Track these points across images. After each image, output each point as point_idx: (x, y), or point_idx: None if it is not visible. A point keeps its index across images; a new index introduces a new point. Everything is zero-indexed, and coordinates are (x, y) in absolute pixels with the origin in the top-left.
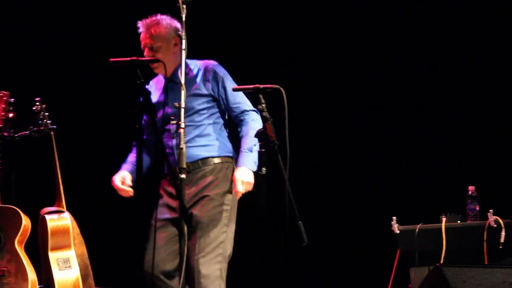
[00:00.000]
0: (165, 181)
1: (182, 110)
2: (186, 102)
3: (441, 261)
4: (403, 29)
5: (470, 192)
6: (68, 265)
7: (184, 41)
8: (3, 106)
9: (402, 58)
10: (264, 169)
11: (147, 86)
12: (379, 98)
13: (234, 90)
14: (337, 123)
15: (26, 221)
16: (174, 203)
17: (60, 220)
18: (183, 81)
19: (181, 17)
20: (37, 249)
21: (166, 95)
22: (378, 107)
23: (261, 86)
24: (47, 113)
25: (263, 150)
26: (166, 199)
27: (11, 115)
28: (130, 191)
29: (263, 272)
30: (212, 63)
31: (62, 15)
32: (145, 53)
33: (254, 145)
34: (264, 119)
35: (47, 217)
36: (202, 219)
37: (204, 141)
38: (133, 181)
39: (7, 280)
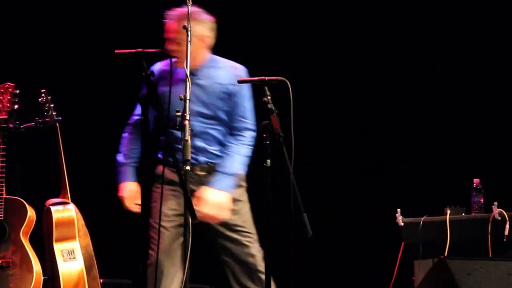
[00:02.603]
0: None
1: (188, 102)
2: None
3: (446, 254)
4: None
5: (474, 184)
6: (72, 257)
7: (189, 33)
8: (9, 97)
9: (403, 52)
10: (268, 161)
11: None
12: (383, 90)
13: (240, 82)
14: (341, 116)
15: (31, 212)
16: None
17: (65, 211)
18: (188, 72)
19: (187, 9)
20: (42, 240)
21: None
22: (382, 99)
23: (267, 78)
24: (52, 105)
25: (267, 142)
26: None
27: (16, 106)
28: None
29: (268, 264)
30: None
31: (67, 8)
32: (168, 46)
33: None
34: (269, 111)
35: (52, 208)
36: None
37: None
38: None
39: (12, 271)
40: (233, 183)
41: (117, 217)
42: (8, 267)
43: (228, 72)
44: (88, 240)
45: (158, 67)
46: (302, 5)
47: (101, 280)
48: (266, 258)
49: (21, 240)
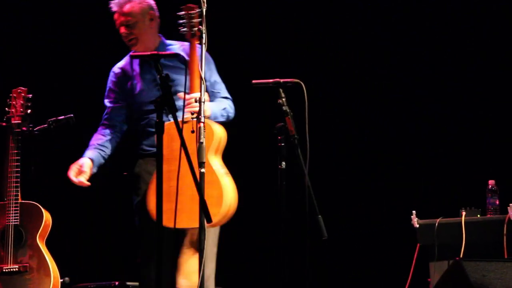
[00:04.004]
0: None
1: (203, 105)
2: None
3: (461, 255)
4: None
5: (490, 186)
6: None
7: (204, 35)
8: (21, 102)
9: (422, 54)
10: (283, 163)
11: (118, 71)
12: (400, 92)
13: (255, 84)
14: (357, 117)
15: (47, 216)
16: None
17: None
18: (203, 74)
19: (201, 11)
20: (59, 243)
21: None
22: (399, 100)
23: (282, 80)
24: None
25: (282, 144)
26: None
27: (29, 111)
28: (85, 183)
29: (282, 266)
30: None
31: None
32: (121, 32)
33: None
34: (284, 113)
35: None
36: None
37: None
38: (96, 166)
39: (29, 276)
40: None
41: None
42: (26, 271)
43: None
44: None
45: (121, 64)
46: (309, 7)
47: None
48: (281, 260)
49: (37, 245)
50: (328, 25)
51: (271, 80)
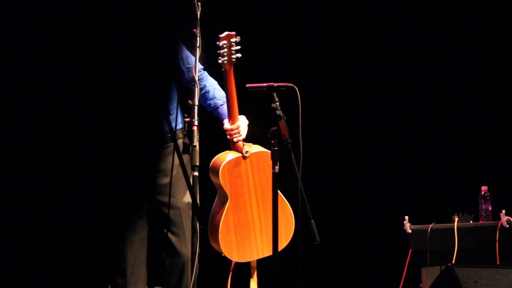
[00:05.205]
0: None
1: (196, 108)
2: None
3: (453, 261)
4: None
5: (482, 192)
6: None
7: (198, 38)
8: None
9: (414, 57)
10: (276, 167)
11: None
12: (393, 97)
13: (248, 88)
14: (350, 122)
15: None
16: None
17: None
18: (197, 78)
19: (196, 15)
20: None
21: None
22: (392, 106)
23: (275, 84)
24: None
25: (276, 148)
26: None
27: None
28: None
29: (275, 270)
30: None
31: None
32: None
33: None
34: (277, 117)
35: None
36: None
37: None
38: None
39: None
40: None
41: None
42: None
43: None
44: None
45: None
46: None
47: None
48: (274, 263)
49: None
50: (323, 26)
51: (264, 84)
